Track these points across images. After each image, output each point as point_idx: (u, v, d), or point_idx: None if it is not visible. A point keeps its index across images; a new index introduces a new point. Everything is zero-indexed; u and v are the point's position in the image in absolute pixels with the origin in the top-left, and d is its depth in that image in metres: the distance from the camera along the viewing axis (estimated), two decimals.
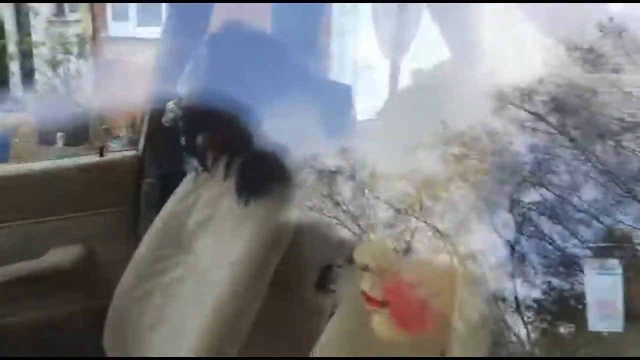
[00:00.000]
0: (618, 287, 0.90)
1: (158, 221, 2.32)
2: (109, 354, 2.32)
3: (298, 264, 1.92)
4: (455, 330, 1.00)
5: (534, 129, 0.92)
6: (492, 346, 0.95)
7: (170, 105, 2.12)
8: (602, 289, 0.91)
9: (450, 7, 1.35)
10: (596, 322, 0.90)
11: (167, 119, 2.14)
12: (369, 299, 1.13)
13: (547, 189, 0.90)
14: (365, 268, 1.12)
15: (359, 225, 1.04)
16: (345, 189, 1.07)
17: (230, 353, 1.93)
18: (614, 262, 0.90)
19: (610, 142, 0.88)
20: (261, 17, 2.02)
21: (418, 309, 1.06)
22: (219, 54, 2.05)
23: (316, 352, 1.41)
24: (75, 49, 8.42)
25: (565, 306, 0.90)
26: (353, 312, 1.33)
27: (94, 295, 2.53)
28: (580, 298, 0.90)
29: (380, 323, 1.12)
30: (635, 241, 0.87)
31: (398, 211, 1.01)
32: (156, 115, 2.45)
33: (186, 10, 2.38)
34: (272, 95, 1.76)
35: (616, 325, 0.90)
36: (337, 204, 1.06)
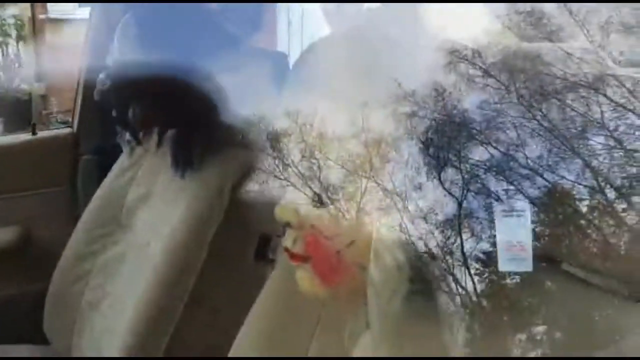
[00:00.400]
0: (527, 229, 0.94)
1: (95, 200, 2.30)
2: (50, 337, 2.30)
3: (237, 234, 1.93)
4: (370, 277, 1.02)
5: (483, 86, 0.94)
6: (409, 293, 0.98)
7: (101, 77, 2.08)
8: (510, 230, 0.94)
9: None
10: (505, 263, 0.94)
11: (98, 92, 2.11)
12: (292, 256, 1.15)
13: (493, 146, 0.93)
14: (287, 225, 1.14)
15: (310, 187, 1.06)
16: (294, 151, 1.08)
17: (168, 325, 1.93)
18: (522, 204, 0.94)
19: (555, 101, 0.91)
20: None
21: (336, 260, 1.08)
22: (146, 22, 2.03)
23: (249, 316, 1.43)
24: (13, 32, 8.14)
25: None
26: (285, 274, 1.35)
27: (32, 279, 2.49)
28: None
29: (302, 278, 1.14)
30: (577, 197, 0.91)
31: (348, 172, 1.03)
32: (89, 89, 2.41)
33: None
34: (201, 63, 1.76)
35: (525, 266, 0.93)
36: (287, 165, 1.08)
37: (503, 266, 0.94)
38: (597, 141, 0.89)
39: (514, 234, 0.94)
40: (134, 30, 2.02)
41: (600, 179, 0.88)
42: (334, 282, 1.11)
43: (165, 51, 1.81)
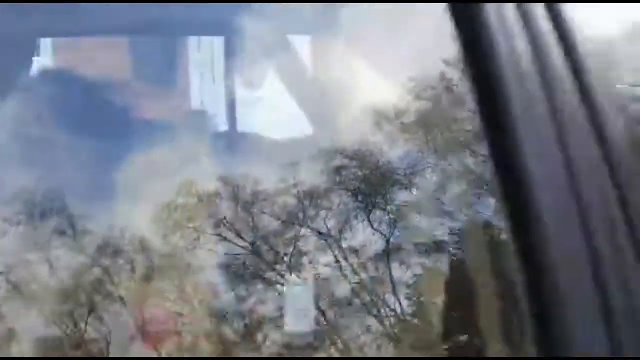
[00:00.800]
0: (309, 295, 1.11)
1: None
2: None
3: None
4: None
5: (405, 140, 1.10)
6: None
7: None
8: (295, 296, 1.11)
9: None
10: (291, 323, 1.10)
11: None
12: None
13: (417, 188, 1.08)
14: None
15: (243, 238, 1.15)
16: (227, 209, 1.18)
17: None
18: (306, 275, 1.12)
19: (468, 150, 1.07)
20: (119, 60, 2.05)
21: (170, 325, 1.16)
22: (39, 102, 2.05)
23: None
24: None
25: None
26: None
27: None
28: (451, 272, 1.09)
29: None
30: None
31: (283, 222, 1.14)
32: None
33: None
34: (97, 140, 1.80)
35: (306, 325, 1.09)
36: (220, 222, 1.17)
37: (288, 325, 1.10)
38: None
39: (299, 299, 1.11)
40: (26, 111, 2.05)
41: None
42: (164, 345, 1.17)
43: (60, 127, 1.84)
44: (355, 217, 1.11)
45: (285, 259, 1.12)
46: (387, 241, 1.09)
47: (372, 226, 1.10)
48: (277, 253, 1.12)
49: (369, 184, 1.12)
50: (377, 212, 1.10)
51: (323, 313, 1.08)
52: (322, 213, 1.12)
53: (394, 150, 1.12)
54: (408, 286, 1.08)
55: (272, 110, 1.37)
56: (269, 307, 1.10)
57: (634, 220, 0.73)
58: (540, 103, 0.73)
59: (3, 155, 2.32)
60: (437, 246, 1.08)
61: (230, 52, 1.85)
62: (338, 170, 1.13)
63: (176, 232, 1.24)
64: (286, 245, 1.13)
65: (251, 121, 1.42)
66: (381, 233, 1.09)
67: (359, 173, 1.12)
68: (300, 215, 1.13)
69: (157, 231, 1.28)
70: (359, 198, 1.11)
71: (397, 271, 1.08)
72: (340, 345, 1.08)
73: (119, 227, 1.63)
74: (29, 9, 1.75)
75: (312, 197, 1.14)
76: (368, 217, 1.10)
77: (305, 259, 1.11)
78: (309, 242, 1.12)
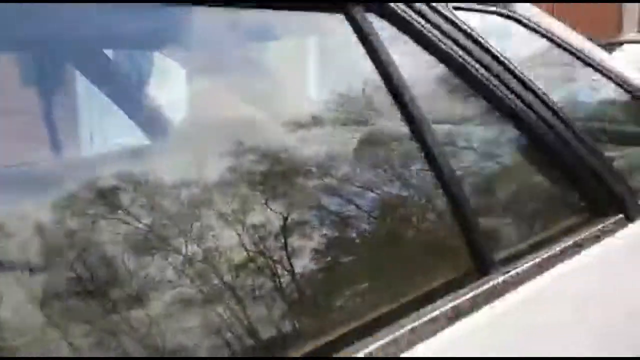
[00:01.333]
0: None
1: None
2: None
3: None
4: None
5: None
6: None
7: None
8: None
9: None
10: None
11: None
12: None
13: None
14: None
15: (141, 222, 1.24)
16: (126, 200, 1.26)
17: None
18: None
19: None
20: None
21: None
22: None
23: None
24: None
25: None
26: None
27: None
28: None
29: None
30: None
31: (183, 206, 1.25)
32: None
33: None
34: None
35: None
36: (118, 208, 1.25)
37: None
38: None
39: None
40: None
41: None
42: None
43: None
44: (257, 202, 1.26)
45: (187, 233, 1.22)
46: (285, 218, 1.24)
47: (270, 209, 1.25)
48: (179, 230, 1.22)
49: (266, 176, 1.29)
50: (277, 199, 1.27)
51: (222, 278, 1.18)
52: (227, 199, 1.25)
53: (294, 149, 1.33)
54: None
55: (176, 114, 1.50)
56: (168, 272, 1.17)
57: None
58: None
59: None
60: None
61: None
62: (240, 165, 1.29)
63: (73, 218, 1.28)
64: (187, 223, 1.23)
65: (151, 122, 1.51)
66: (280, 213, 1.24)
67: (259, 168, 1.29)
68: (202, 202, 1.26)
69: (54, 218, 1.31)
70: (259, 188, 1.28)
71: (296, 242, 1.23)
72: (233, 302, 1.17)
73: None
74: None
75: (215, 189, 1.27)
76: (266, 202, 1.26)
77: (207, 234, 1.22)
78: (211, 220, 1.24)
